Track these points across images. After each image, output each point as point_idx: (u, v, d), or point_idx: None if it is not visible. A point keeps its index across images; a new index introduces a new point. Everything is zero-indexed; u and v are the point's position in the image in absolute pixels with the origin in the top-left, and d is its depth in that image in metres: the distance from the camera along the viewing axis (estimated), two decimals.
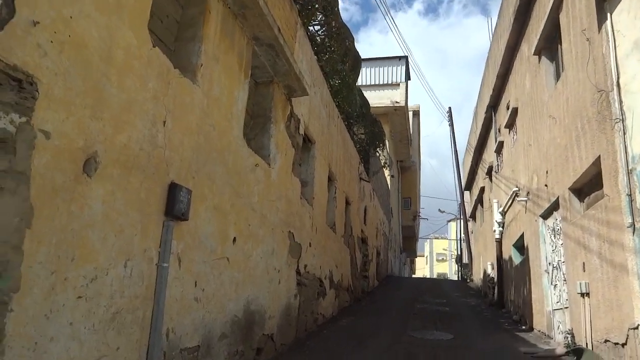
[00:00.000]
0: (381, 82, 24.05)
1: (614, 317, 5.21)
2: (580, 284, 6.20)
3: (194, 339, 4.24)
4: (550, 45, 8.18)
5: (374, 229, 17.02)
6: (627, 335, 4.88)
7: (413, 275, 42.91)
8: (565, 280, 7.26)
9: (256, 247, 5.71)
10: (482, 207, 16.64)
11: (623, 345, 5.00)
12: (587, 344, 6.07)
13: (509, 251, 11.23)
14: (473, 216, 20.02)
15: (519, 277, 10.17)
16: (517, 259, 10.73)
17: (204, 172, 4.51)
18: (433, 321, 9.63)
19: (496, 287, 12.79)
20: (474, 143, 16.34)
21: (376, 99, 22.97)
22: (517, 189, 10.32)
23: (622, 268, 5.02)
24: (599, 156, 5.67)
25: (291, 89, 7.07)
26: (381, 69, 24.23)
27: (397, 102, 23.37)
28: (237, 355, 5.08)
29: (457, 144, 25.85)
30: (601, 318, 5.61)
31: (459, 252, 34.10)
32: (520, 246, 10.48)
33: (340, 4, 12.51)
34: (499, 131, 12.72)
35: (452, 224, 52.08)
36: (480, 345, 7.58)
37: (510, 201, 11.03)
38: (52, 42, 2.73)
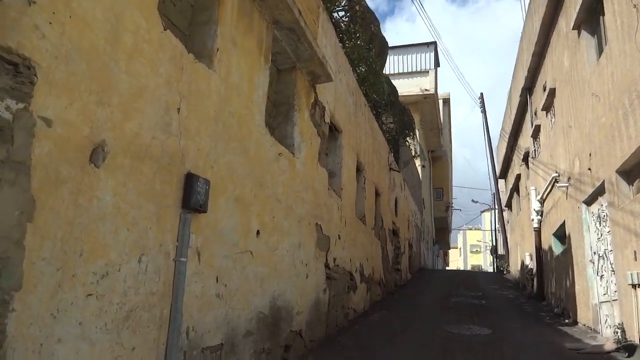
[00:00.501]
0: (410, 70, 23.49)
1: None
2: (631, 274, 5.72)
3: (217, 337, 4.05)
4: (590, 17, 7.62)
5: (406, 220, 16.62)
6: None
7: (447, 268, 42.19)
8: (613, 271, 6.76)
9: (282, 240, 5.49)
10: (519, 195, 16.00)
11: None
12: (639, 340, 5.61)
13: (549, 241, 10.69)
14: (509, 205, 19.33)
15: (561, 268, 9.64)
16: (557, 248, 10.19)
17: (223, 162, 4.30)
18: (469, 315, 9.24)
19: (535, 279, 12.23)
20: (509, 129, 15.70)
21: (405, 87, 22.44)
22: (556, 174, 9.76)
23: None
24: None
25: (315, 75, 6.80)
26: (409, 56, 23.66)
27: (426, 89, 22.79)
28: (264, 353, 4.88)
29: (490, 131, 25.01)
30: None
31: (494, 243, 33.23)
32: (561, 235, 9.94)
33: None
34: (535, 114, 12.11)
35: (486, 215, 50.91)
36: (519, 339, 7.17)
37: (549, 188, 10.48)
38: (51, 23, 2.54)
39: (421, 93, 22.90)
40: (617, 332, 6.21)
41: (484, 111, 24.30)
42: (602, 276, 7.33)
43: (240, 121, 4.65)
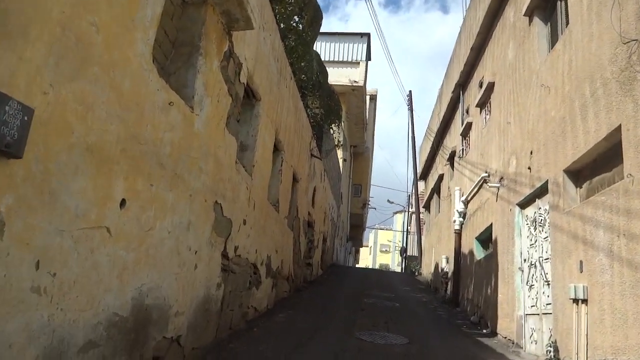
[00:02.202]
0: (340, 59, 22.57)
1: (630, 335, 4.00)
2: (574, 287, 4.99)
3: (26, 354, 2.58)
4: (545, 3, 6.94)
5: (322, 213, 15.62)
6: None
7: (357, 265, 42.26)
8: (547, 282, 6.08)
9: (162, 217, 4.06)
10: (439, 196, 15.60)
11: None
12: None
13: (470, 244, 10.12)
14: (427, 206, 19.05)
15: (482, 274, 9.05)
16: (479, 253, 9.62)
17: (70, 89, 2.81)
18: (384, 320, 8.32)
19: (450, 283, 11.72)
20: (436, 127, 15.22)
21: (334, 76, 21.40)
22: (486, 174, 9.15)
23: None
24: (619, 126, 4.42)
25: (231, 18, 5.40)
26: (341, 45, 22.75)
27: (355, 81, 21.99)
28: None
29: (414, 132, 24.78)
30: (606, 333, 4.40)
31: (404, 244, 33.55)
32: (485, 239, 9.37)
33: None
34: (467, 112, 11.57)
35: (398, 216, 51.99)
36: (440, 355, 6.30)
37: (476, 188, 9.89)
38: None
39: (350, 84, 22.06)
40: (549, 351, 5.49)
41: (410, 109, 24.05)
42: (531, 286, 6.67)
43: (109, 40, 3.16)
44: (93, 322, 3.14)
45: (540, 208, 6.55)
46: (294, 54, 9.91)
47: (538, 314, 6.33)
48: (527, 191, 6.82)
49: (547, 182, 6.11)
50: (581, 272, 4.99)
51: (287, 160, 9.43)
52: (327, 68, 19.91)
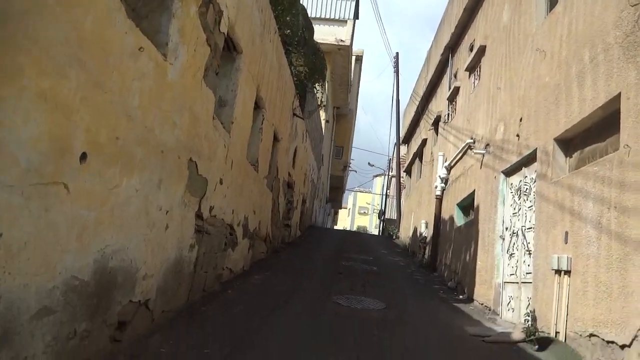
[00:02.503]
0: (327, 17, 21.80)
1: (613, 308, 3.92)
2: (557, 258, 4.89)
3: None
4: None
5: (303, 174, 15.37)
6: (636, 336, 3.58)
7: (335, 227, 42.58)
8: (529, 251, 6.01)
9: (129, 174, 3.74)
10: (421, 161, 15.46)
11: (624, 346, 3.73)
12: (556, 333, 4.85)
13: (451, 210, 10.04)
14: (408, 171, 18.95)
15: (461, 240, 9.01)
16: (460, 219, 9.56)
17: (22, 24, 2.44)
18: (361, 283, 8.26)
19: (428, 248, 11.73)
20: (422, 91, 14.91)
21: (320, 34, 20.67)
22: (472, 140, 8.97)
23: (639, 245, 3.66)
24: (619, 94, 4.21)
25: None
26: (328, 2, 21.92)
27: (342, 40, 21.33)
28: (76, 338, 3.21)
29: (399, 95, 24.39)
30: (588, 305, 4.33)
31: (383, 208, 33.77)
32: (466, 205, 9.29)
33: None
34: (455, 76, 11.27)
35: (378, 180, 52.25)
36: (418, 320, 6.25)
37: (460, 154, 9.72)
38: None
39: (336, 43, 21.41)
40: (527, 320, 5.46)
41: (397, 71, 23.57)
42: (512, 255, 6.61)
43: None
44: (48, 286, 2.86)
45: (526, 177, 6.40)
46: (279, 5, 9.38)
47: (517, 283, 6.29)
48: (514, 159, 6.66)
49: (535, 150, 5.94)
50: (566, 243, 4.88)
51: (269, 119, 9.06)
52: (313, 25, 19.29)
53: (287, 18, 11.58)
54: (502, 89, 7.60)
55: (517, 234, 6.50)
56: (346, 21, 21.61)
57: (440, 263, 10.62)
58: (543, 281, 5.30)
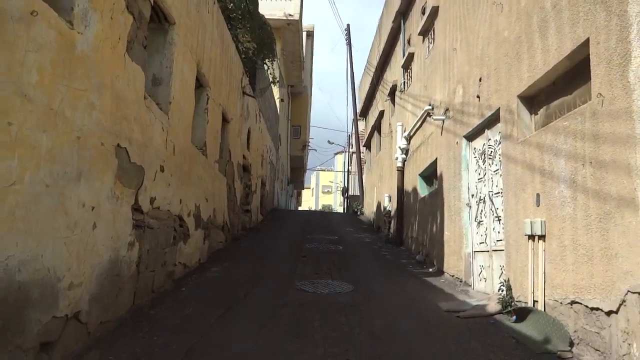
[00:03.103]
0: None
1: (596, 273, 3.61)
2: (530, 222, 4.58)
3: None
4: None
5: (259, 156, 14.74)
6: (624, 301, 3.29)
7: (299, 208, 42.20)
8: (498, 217, 5.71)
9: (33, 166, 3.09)
10: (380, 134, 15.11)
11: (610, 313, 3.43)
12: (534, 301, 4.56)
13: (414, 182, 9.73)
14: (367, 145, 18.61)
15: (426, 212, 8.71)
16: (423, 190, 9.25)
17: None
18: (327, 266, 7.85)
19: (394, 222, 11.45)
20: (375, 62, 14.46)
21: (267, 9, 19.81)
22: (430, 107, 8.60)
23: (621, 202, 3.34)
24: (587, 40, 3.84)
25: None
26: None
27: (290, 15, 20.52)
28: None
29: (352, 69, 23.94)
30: (567, 271, 4.03)
31: (346, 185, 33.54)
32: (429, 175, 8.97)
33: None
34: (409, 42, 10.84)
35: (339, 157, 52.00)
36: (388, 299, 5.90)
37: (419, 123, 9.37)
38: None
39: (284, 18, 20.57)
40: (501, 290, 5.17)
41: (349, 43, 23.03)
42: (480, 222, 6.32)
43: None
44: None
45: (489, 139, 6.07)
46: None
47: (487, 251, 6.00)
48: (476, 122, 6.31)
49: (498, 110, 5.59)
50: (538, 206, 4.57)
51: (214, 98, 8.38)
52: (260, 0, 18.40)
53: None
54: (458, 50, 7.21)
55: (484, 201, 6.19)
56: None
57: (406, 237, 10.34)
58: (516, 248, 5.00)
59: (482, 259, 6.20)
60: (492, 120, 5.88)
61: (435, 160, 8.18)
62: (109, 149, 4.17)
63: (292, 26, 21.07)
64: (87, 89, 3.76)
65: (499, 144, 5.73)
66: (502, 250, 5.44)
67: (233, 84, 10.12)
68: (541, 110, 4.95)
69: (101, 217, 4.05)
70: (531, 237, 4.61)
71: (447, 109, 7.67)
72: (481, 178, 6.33)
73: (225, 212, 9.65)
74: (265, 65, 13.71)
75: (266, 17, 18.14)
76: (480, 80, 6.22)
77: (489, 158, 6.06)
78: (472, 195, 6.59)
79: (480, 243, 6.25)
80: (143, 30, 5.03)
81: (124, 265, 4.59)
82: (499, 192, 5.70)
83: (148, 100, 5.17)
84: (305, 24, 26.43)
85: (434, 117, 8.05)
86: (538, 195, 4.57)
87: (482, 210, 6.26)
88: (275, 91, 20.08)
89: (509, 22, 5.42)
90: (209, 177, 8.16)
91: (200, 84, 7.65)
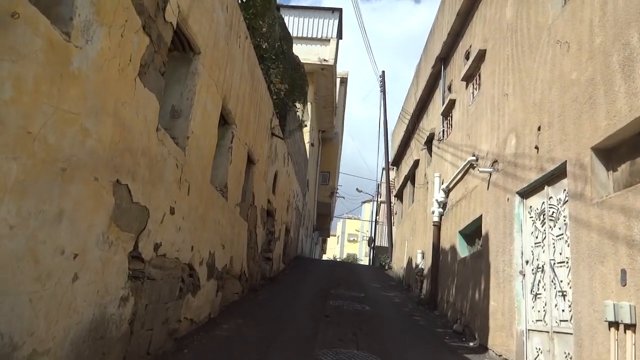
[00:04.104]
0: (309, 36, 20.93)
1: None
2: (614, 306, 3.64)
3: None
4: None
5: (285, 201, 14.07)
6: None
7: (324, 256, 41.10)
8: (562, 292, 4.76)
9: None
10: (414, 184, 14.28)
11: None
12: None
13: (452, 239, 8.80)
14: (399, 196, 17.76)
15: (467, 275, 7.73)
16: (464, 250, 8.31)
17: None
18: (352, 330, 6.91)
19: (427, 282, 10.43)
20: (412, 109, 13.85)
21: (302, 54, 19.77)
22: (474, 158, 7.81)
23: None
24: None
25: None
26: (310, 20, 21.12)
27: (325, 60, 20.41)
28: None
29: (386, 115, 23.47)
30: None
31: (373, 235, 32.44)
32: (471, 233, 8.06)
33: None
34: (449, 89, 10.20)
35: (367, 206, 51.05)
36: None
37: (460, 175, 8.55)
38: None
39: (319, 63, 20.48)
40: None
41: (383, 90, 22.66)
42: (537, 295, 5.34)
43: None
44: None
45: (551, 198, 5.20)
46: (250, 9, 8.28)
47: (547, 332, 5.01)
48: (533, 176, 5.47)
49: (564, 164, 4.75)
50: (624, 285, 3.64)
51: (240, 137, 7.82)
52: (295, 44, 18.31)
53: (263, 30, 10.51)
54: (510, 95, 6.48)
55: (542, 270, 5.25)
56: (329, 40, 20.76)
57: (441, 300, 9.30)
58: (590, 335, 4.03)
59: (539, 340, 5.19)
60: (556, 176, 5.04)
61: (480, 217, 7.29)
62: (104, 185, 3.52)
63: (327, 71, 20.93)
64: (80, 113, 3.15)
65: (563, 204, 4.86)
66: (569, 334, 4.46)
67: (262, 123, 9.61)
68: (623, 165, 4.10)
69: (86, 266, 3.35)
70: (614, 324, 3.66)
71: (495, 161, 6.86)
72: (539, 242, 5.42)
73: (244, 261, 8.88)
74: (296, 106, 13.27)
75: (301, 60, 18.07)
76: (539, 129, 5.43)
77: (550, 220, 5.17)
78: (527, 262, 5.65)
79: (537, 321, 5.26)
80: (162, 55, 4.50)
81: (112, 325, 3.83)
82: (563, 262, 4.77)
83: (161, 133, 4.57)
84: (340, 70, 26.42)
85: (480, 169, 7.23)
86: (624, 271, 3.66)
87: (539, 281, 5.31)
88: (306, 135, 19.69)
89: (577, 62, 4.68)
90: (228, 221, 7.47)
91: (225, 121, 7.11)
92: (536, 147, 5.45)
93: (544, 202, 5.36)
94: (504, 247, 6.20)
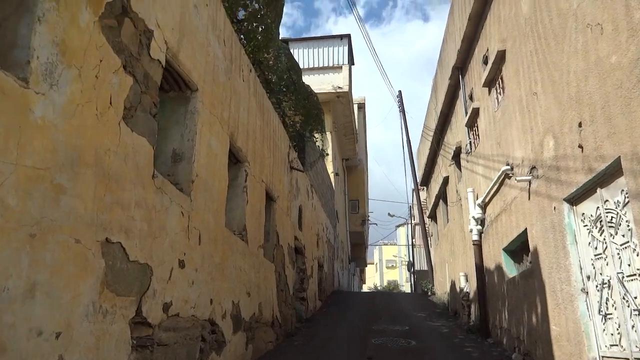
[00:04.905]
0: (320, 65, 20.77)
1: None
2: None
3: None
4: None
5: (314, 235, 13.52)
6: None
7: (364, 287, 39.97)
8: (638, 311, 4.01)
9: None
10: (446, 203, 13.55)
11: None
12: None
13: (497, 258, 8.04)
14: (433, 216, 16.97)
15: (519, 296, 6.96)
16: (511, 269, 7.55)
17: None
18: None
19: (475, 307, 9.60)
20: (434, 124, 13.27)
21: (315, 84, 19.58)
22: (508, 167, 7.15)
23: None
24: None
25: None
26: (320, 50, 20.99)
27: (339, 87, 20.13)
28: None
29: (408, 135, 22.93)
30: None
31: (411, 259, 31.36)
32: (517, 250, 7.31)
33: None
34: (471, 98, 9.62)
35: (402, 229, 49.84)
36: None
37: (495, 187, 7.87)
38: None
39: (334, 91, 20.21)
40: None
41: (402, 110, 22.14)
42: (607, 316, 4.59)
43: None
44: None
45: (607, 201, 4.51)
46: (251, 41, 8.00)
47: (626, 359, 4.23)
48: (581, 179, 4.80)
49: (618, 160, 4.10)
50: None
51: (255, 175, 7.41)
52: (306, 76, 18.10)
53: (270, 63, 10.26)
54: (540, 93, 5.88)
55: (608, 286, 4.52)
56: (341, 67, 20.52)
57: (493, 326, 8.45)
58: None
59: None
60: (609, 175, 4.37)
61: (525, 231, 6.57)
62: (89, 247, 3.08)
63: (343, 98, 20.63)
64: (49, 168, 2.75)
65: (623, 207, 4.18)
66: None
67: (278, 158, 9.20)
68: None
69: (73, 345, 2.88)
70: None
71: (533, 167, 6.20)
72: (599, 254, 4.70)
73: (274, 305, 8.32)
74: (314, 137, 12.87)
75: (315, 91, 17.80)
76: (580, 125, 4.79)
77: (610, 226, 4.47)
78: (588, 278, 4.91)
79: (612, 345, 4.49)
80: (151, 95, 4.14)
81: None
82: (635, 275, 4.05)
83: (159, 180, 4.17)
84: (356, 96, 26.14)
85: (517, 179, 6.56)
86: None
87: (607, 299, 4.56)
88: (329, 165, 19.26)
89: (616, 43, 4.08)
90: (251, 266, 6.97)
91: (236, 159, 6.74)
92: (580, 146, 4.80)
93: (598, 207, 4.67)
94: (558, 262, 5.46)
